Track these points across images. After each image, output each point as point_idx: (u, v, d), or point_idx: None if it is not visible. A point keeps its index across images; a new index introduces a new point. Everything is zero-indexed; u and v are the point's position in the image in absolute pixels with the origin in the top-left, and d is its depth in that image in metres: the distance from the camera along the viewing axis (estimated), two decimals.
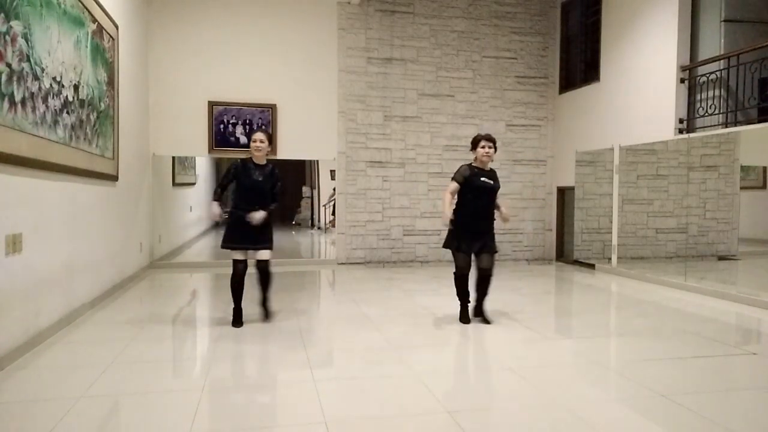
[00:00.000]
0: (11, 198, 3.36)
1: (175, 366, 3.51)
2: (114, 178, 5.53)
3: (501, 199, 4.46)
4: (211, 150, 7.61)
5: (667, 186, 7.58)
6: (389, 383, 3.06)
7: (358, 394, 2.92)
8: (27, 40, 3.49)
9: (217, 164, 13.53)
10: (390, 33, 7.99)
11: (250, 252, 4.21)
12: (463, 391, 3.01)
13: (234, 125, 7.59)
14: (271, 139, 4.31)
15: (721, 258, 7.72)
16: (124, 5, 6.00)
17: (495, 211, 4.40)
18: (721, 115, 6.00)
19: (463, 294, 4.38)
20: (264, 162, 4.25)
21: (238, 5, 7.61)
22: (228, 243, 4.20)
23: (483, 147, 4.31)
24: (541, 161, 8.55)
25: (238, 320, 4.21)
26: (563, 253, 8.56)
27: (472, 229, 4.27)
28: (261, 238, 4.19)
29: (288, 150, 7.79)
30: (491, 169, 4.41)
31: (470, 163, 4.39)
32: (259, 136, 4.22)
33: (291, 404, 2.81)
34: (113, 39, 5.46)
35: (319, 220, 11.74)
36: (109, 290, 5.27)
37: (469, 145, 4.50)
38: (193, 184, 10.31)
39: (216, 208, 4.19)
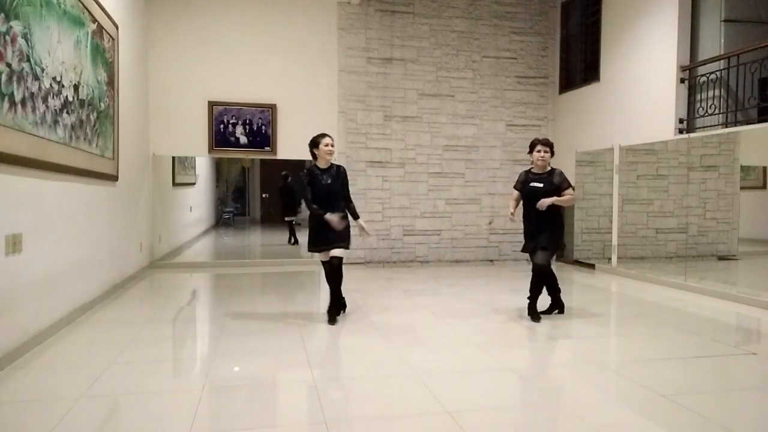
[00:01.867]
0: (11, 198, 3.36)
1: (175, 366, 3.51)
2: (114, 178, 5.53)
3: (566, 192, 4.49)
4: (211, 150, 7.61)
5: (667, 186, 7.59)
6: (389, 383, 3.06)
7: (358, 394, 2.92)
8: (27, 40, 3.49)
9: (218, 164, 13.55)
10: (390, 33, 7.99)
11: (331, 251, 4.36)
12: (463, 391, 3.01)
13: (234, 125, 7.59)
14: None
15: (721, 258, 7.73)
16: (124, 5, 6.00)
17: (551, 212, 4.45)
18: (721, 115, 6.00)
19: (532, 292, 4.53)
20: (328, 165, 4.37)
21: (238, 5, 7.61)
22: (312, 247, 4.41)
23: (539, 151, 4.51)
24: None
25: (332, 317, 4.36)
26: (563, 253, 8.56)
27: (528, 231, 4.53)
28: (338, 237, 4.30)
29: (288, 150, 7.78)
30: (551, 170, 4.54)
31: (529, 169, 4.63)
32: (329, 140, 4.35)
33: (291, 404, 2.81)
34: (113, 39, 5.46)
35: None
36: (109, 290, 5.27)
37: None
38: (193, 184, 10.31)
39: (333, 216, 4.23)
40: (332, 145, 4.36)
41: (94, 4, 4.83)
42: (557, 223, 4.51)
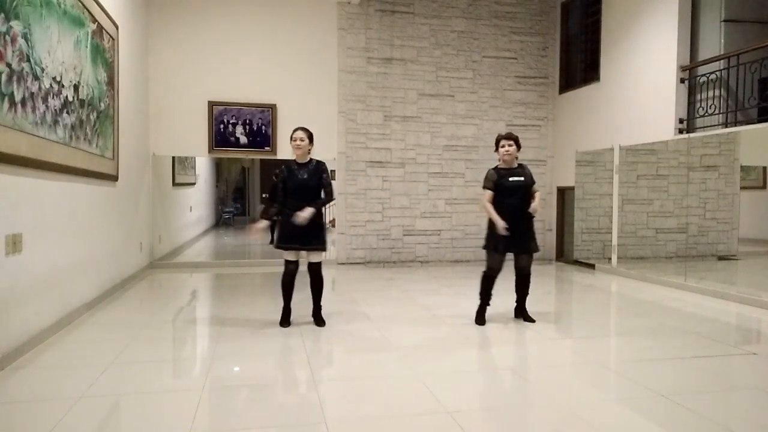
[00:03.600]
0: (11, 198, 3.36)
1: (175, 366, 3.51)
2: (114, 178, 5.53)
3: (536, 193, 4.37)
4: (211, 150, 7.60)
5: (667, 186, 7.58)
6: (389, 383, 3.06)
7: (358, 394, 2.92)
8: (27, 40, 3.49)
9: (218, 164, 13.55)
10: (390, 33, 7.99)
11: (302, 253, 4.20)
12: (463, 391, 3.01)
13: (234, 125, 7.59)
14: (312, 137, 4.28)
15: (721, 258, 7.73)
16: (124, 5, 6.00)
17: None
18: (721, 115, 6.00)
19: (485, 295, 4.37)
20: (306, 160, 4.23)
21: (238, 5, 7.61)
22: (279, 243, 4.17)
23: (503, 146, 4.34)
24: (541, 161, 8.55)
25: (286, 320, 4.22)
26: (563, 253, 8.56)
27: (510, 230, 4.18)
28: (312, 238, 4.14)
29: (288, 150, 7.72)
30: (519, 165, 4.40)
31: (495, 166, 4.41)
32: (299, 134, 4.19)
33: (291, 404, 2.81)
34: (113, 39, 5.46)
35: None
36: (109, 290, 5.27)
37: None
38: (193, 184, 10.32)
39: (262, 224, 4.20)
40: (302, 140, 4.16)
41: (94, 4, 4.83)
42: (532, 222, 4.35)
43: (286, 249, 4.16)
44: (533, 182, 4.36)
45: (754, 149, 7.38)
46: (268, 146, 7.70)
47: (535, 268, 7.86)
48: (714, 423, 2.48)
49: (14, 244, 3.35)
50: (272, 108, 7.68)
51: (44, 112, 3.79)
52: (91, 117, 4.81)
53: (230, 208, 14.59)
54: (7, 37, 3.22)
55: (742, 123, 5.93)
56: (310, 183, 4.16)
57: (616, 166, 7.21)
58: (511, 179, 4.28)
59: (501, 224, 4.13)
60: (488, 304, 4.40)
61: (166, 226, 8.19)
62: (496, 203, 4.27)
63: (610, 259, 7.40)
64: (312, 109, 7.78)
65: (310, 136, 4.24)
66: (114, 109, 5.51)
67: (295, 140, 4.20)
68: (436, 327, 4.31)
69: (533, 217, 4.31)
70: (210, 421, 2.52)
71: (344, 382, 3.12)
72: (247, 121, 7.63)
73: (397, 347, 3.73)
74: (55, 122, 4.00)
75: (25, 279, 3.50)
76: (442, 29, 8.17)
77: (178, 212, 9.44)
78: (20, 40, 3.39)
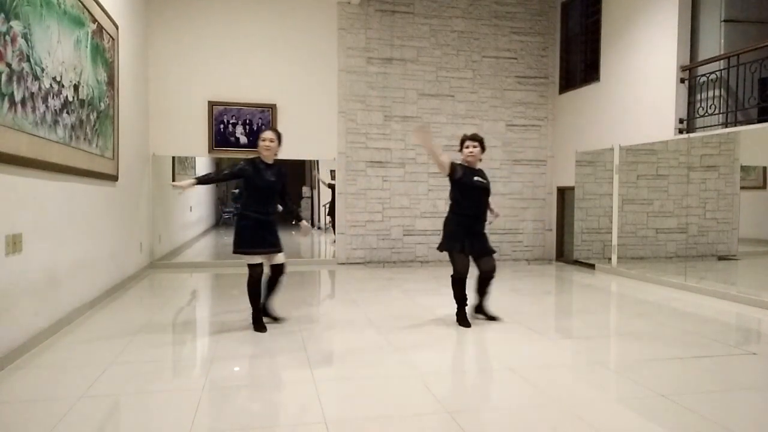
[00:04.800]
0: (11, 198, 3.36)
1: (175, 366, 3.50)
2: (114, 178, 5.53)
3: (490, 199, 4.42)
4: (211, 150, 7.60)
5: (667, 186, 7.58)
6: (389, 383, 3.06)
7: (358, 394, 2.92)
8: (27, 40, 3.49)
9: (217, 164, 13.54)
10: (390, 33, 7.99)
11: (270, 256, 4.16)
12: (463, 391, 3.01)
13: (234, 125, 7.59)
14: (281, 139, 4.22)
15: (721, 258, 7.72)
16: (124, 5, 6.01)
17: (486, 212, 4.40)
18: (721, 115, 6.00)
19: (461, 297, 4.36)
20: (272, 161, 4.16)
21: (238, 5, 7.61)
22: (247, 248, 4.03)
23: (467, 147, 4.30)
24: (541, 161, 8.55)
25: (262, 324, 4.13)
26: (563, 253, 8.56)
27: (469, 230, 4.24)
28: (277, 241, 4.15)
29: (288, 150, 7.67)
30: (479, 169, 4.39)
31: (460, 163, 4.38)
32: (269, 135, 4.12)
33: (291, 404, 2.81)
34: (113, 39, 5.46)
35: (319, 220, 11.74)
36: (109, 290, 5.27)
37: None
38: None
39: (187, 183, 3.91)
40: (272, 141, 4.08)
41: (94, 4, 4.83)
42: (485, 224, 4.37)
43: (256, 253, 4.05)
44: (490, 189, 4.37)
45: (754, 149, 7.38)
46: None
47: (534, 268, 7.92)
48: (714, 423, 2.48)
49: (14, 244, 3.35)
50: (272, 108, 7.68)
51: (44, 112, 3.79)
52: (91, 117, 4.81)
53: (230, 208, 14.59)
54: (7, 37, 3.22)
55: (742, 123, 5.93)
56: (276, 186, 4.11)
57: (616, 166, 7.21)
58: (474, 179, 4.27)
59: (439, 152, 4.18)
60: (466, 305, 4.40)
61: (166, 226, 8.19)
62: (456, 200, 4.30)
63: (610, 259, 7.40)
64: (312, 109, 7.79)
65: (279, 138, 4.18)
66: (114, 109, 5.51)
67: (264, 140, 4.09)
68: (436, 327, 4.31)
69: (485, 220, 4.36)
70: (210, 421, 2.51)
71: (344, 382, 3.12)
72: (247, 121, 7.63)
73: (397, 347, 3.73)
74: (55, 122, 4.00)
75: (25, 279, 3.50)
76: (442, 29, 8.17)
77: (178, 212, 9.44)
78: (20, 40, 3.39)
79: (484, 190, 4.30)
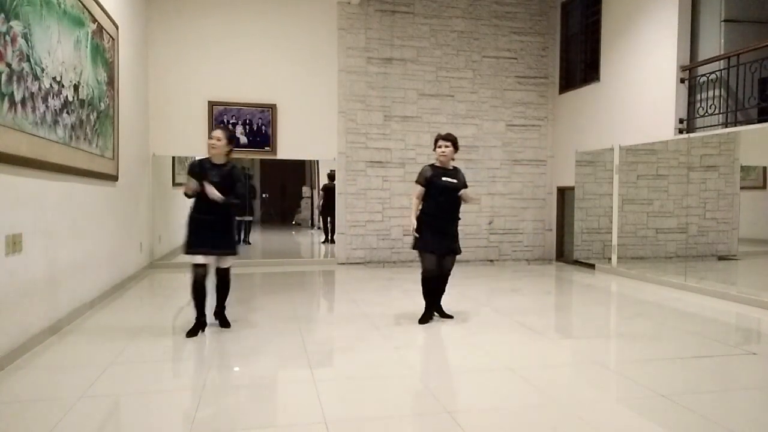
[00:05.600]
0: (11, 198, 3.36)
1: (175, 366, 3.51)
2: (114, 178, 5.53)
3: (465, 191, 4.37)
4: None
5: (667, 186, 7.58)
6: (389, 383, 3.06)
7: (358, 394, 2.92)
8: (27, 40, 3.49)
9: None
10: (390, 33, 7.99)
11: (214, 257, 4.04)
12: (463, 391, 3.01)
13: (234, 125, 7.58)
14: (232, 138, 4.04)
15: (721, 258, 7.72)
16: (124, 5, 6.00)
17: (459, 210, 4.37)
18: (721, 115, 6.00)
19: (429, 295, 4.40)
20: (223, 161, 3.96)
21: (238, 5, 7.61)
22: (187, 247, 3.94)
23: (440, 146, 4.32)
24: (541, 161, 8.55)
25: (196, 330, 3.95)
26: (563, 253, 8.56)
27: (438, 230, 4.25)
28: (223, 242, 3.99)
29: (288, 150, 7.79)
30: (454, 167, 4.39)
31: (432, 164, 4.40)
32: (216, 133, 3.93)
33: (291, 404, 2.81)
34: (113, 39, 5.46)
35: (318, 220, 11.73)
36: (109, 290, 5.27)
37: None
38: None
39: (194, 185, 3.87)
40: (218, 139, 3.88)
41: (94, 4, 4.83)
42: (457, 224, 4.37)
43: (195, 253, 3.93)
44: (465, 187, 4.35)
45: (754, 149, 7.38)
46: (268, 146, 7.70)
47: (534, 268, 7.92)
48: (714, 423, 2.48)
49: (14, 244, 3.35)
50: (272, 108, 7.68)
51: (44, 112, 3.79)
52: (91, 117, 4.81)
53: None
54: (7, 37, 3.22)
55: (742, 123, 5.93)
56: (223, 186, 3.85)
57: (616, 166, 7.21)
58: (443, 179, 4.26)
59: (413, 224, 4.23)
60: (434, 303, 4.44)
61: (166, 226, 8.19)
62: (425, 200, 4.30)
63: (610, 259, 7.40)
64: (312, 109, 7.79)
65: (230, 138, 3.99)
66: (114, 109, 5.51)
67: (211, 139, 3.93)
68: (436, 327, 4.31)
69: (459, 219, 4.36)
70: (210, 421, 2.51)
71: (344, 382, 3.12)
72: (247, 121, 7.63)
73: (397, 347, 3.73)
74: (55, 122, 4.00)
75: (25, 279, 3.50)
76: (442, 29, 8.16)
77: (178, 212, 9.42)
78: (20, 40, 3.39)
79: (452, 189, 4.28)
